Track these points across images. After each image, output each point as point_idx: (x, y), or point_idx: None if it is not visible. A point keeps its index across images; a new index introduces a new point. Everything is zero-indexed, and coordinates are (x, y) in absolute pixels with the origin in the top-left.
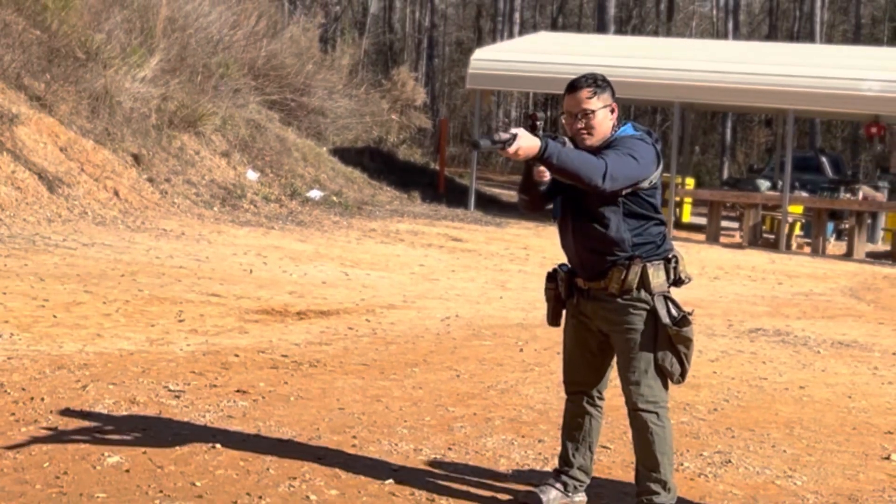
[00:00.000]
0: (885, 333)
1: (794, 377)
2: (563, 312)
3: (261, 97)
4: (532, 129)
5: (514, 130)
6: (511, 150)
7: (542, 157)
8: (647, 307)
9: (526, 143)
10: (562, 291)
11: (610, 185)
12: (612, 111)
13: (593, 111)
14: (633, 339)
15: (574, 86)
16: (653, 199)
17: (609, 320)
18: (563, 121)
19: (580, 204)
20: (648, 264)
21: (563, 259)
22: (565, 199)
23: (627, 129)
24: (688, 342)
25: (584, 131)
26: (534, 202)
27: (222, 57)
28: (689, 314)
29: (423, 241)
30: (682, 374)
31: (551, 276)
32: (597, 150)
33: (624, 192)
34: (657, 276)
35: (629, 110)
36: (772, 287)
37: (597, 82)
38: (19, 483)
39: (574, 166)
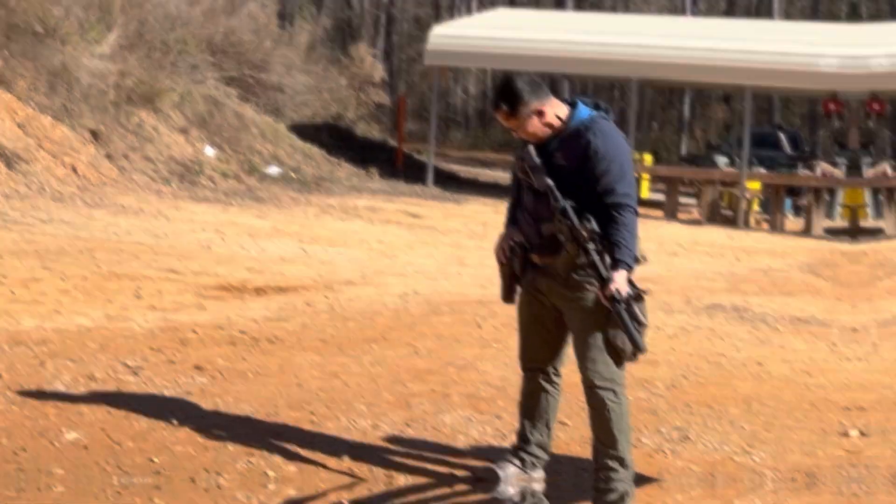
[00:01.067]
0: (843, 309)
1: (753, 353)
2: (518, 288)
3: (219, 73)
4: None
5: (605, 273)
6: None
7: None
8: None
9: (623, 279)
10: (516, 267)
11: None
12: (540, 113)
13: (518, 125)
14: (585, 317)
15: (493, 105)
16: None
17: (563, 296)
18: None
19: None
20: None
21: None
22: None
23: (582, 113)
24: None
25: (524, 135)
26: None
27: (180, 33)
28: (644, 292)
29: (381, 217)
30: (636, 352)
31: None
32: (557, 139)
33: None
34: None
35: (587, 87)
36: (730, 263)
37: (505, 104)
38: None
39: (633, 240)
